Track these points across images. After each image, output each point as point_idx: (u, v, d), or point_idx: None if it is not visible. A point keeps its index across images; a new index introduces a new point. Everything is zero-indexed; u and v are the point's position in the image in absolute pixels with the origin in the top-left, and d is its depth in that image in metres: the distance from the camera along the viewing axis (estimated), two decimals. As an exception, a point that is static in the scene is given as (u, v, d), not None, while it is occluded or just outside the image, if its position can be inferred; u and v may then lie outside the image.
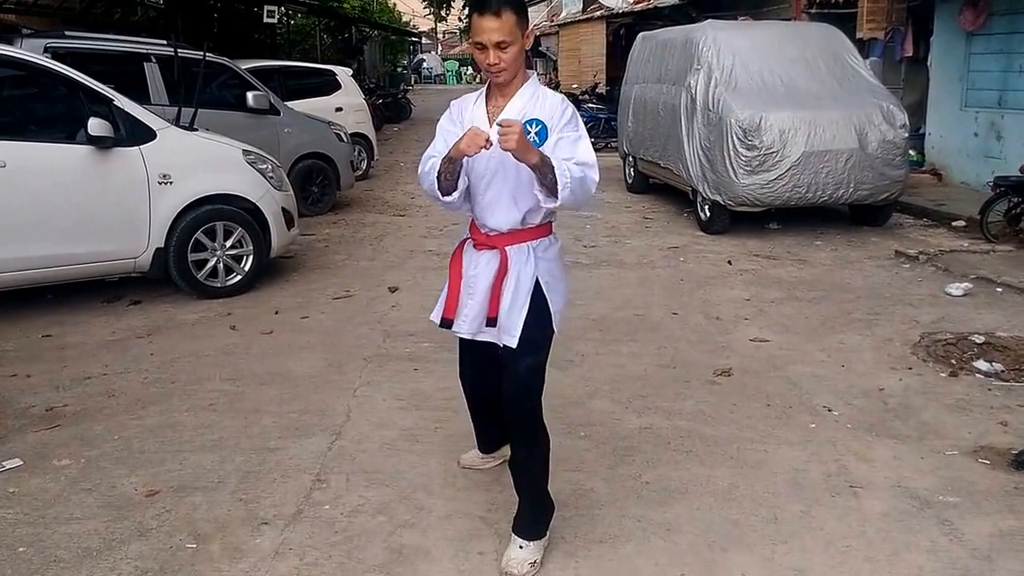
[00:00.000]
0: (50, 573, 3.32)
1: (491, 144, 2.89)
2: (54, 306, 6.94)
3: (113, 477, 4.09)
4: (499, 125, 2.83)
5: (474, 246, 3.34)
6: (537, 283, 3.24)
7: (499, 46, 2.97)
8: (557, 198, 2.92)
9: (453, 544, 3.52)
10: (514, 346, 3.21)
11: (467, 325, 3.37)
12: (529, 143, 2.83)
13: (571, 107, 3.17)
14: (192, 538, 3.56)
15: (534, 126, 3.06)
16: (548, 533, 3.43)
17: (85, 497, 3.90)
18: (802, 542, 3.50)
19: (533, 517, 3.40)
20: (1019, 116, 10.97)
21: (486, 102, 3.24)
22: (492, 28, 2.94)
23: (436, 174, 3.12)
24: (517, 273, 3.22)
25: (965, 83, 12.05)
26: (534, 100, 3.14)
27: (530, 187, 3.04)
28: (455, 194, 3.17)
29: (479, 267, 3.30)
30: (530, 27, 3.12)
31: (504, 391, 3.30)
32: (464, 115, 3.27)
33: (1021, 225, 8.61)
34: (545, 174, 2.87)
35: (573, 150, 3.07)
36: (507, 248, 3.23)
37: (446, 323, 3.41)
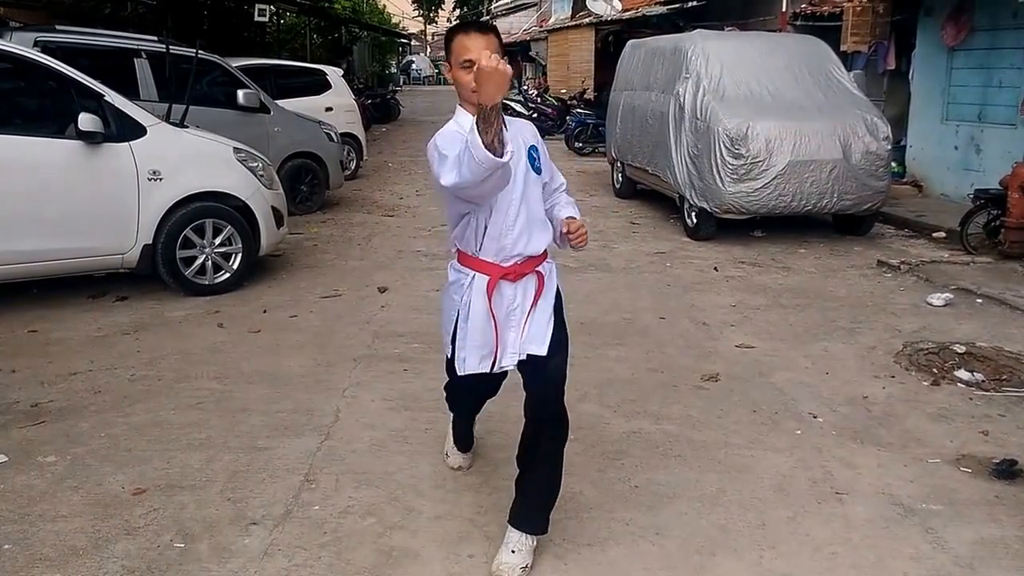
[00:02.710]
0: (36, 571, 3.30)
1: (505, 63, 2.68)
2: (40, 301, 6.90)
3: (100, 475, 4.07)
4: (570, 228, 3.16)
5: (510, 280, 3.22)
6: (555, 291, 3.35)
7: None
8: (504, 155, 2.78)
9: (443, 546, 3.53)
10: (544, 353, 3.23)
11: (509, 358, 3.28)
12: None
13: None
14: (180, 537, 3.55)
15: (536, 152, 3.19)
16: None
17: (71, 495, 3.88)
18: (789, 547, 3.53)
19: (547, 509, 3.41)
20: (998, 130, 11.09)
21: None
22: (481, 45, 2.95)
23: (475, 142, 2.67)
24: (547, 288, 3.31)
25: (946, 97, 12.17)
26: (510, 123, 3.08)
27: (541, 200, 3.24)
28: (509, 147, 2.75)
29: (517, 298, 3.24)
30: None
31: (536, 395, 3.30)
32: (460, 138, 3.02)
33: (1000, 237, 8.70)
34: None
35: (557, 176, 3.40)
36: (538, 269, 3.28)
37: (489, 368, 3.30)
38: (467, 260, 3.25)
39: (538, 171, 3.20)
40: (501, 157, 2.69)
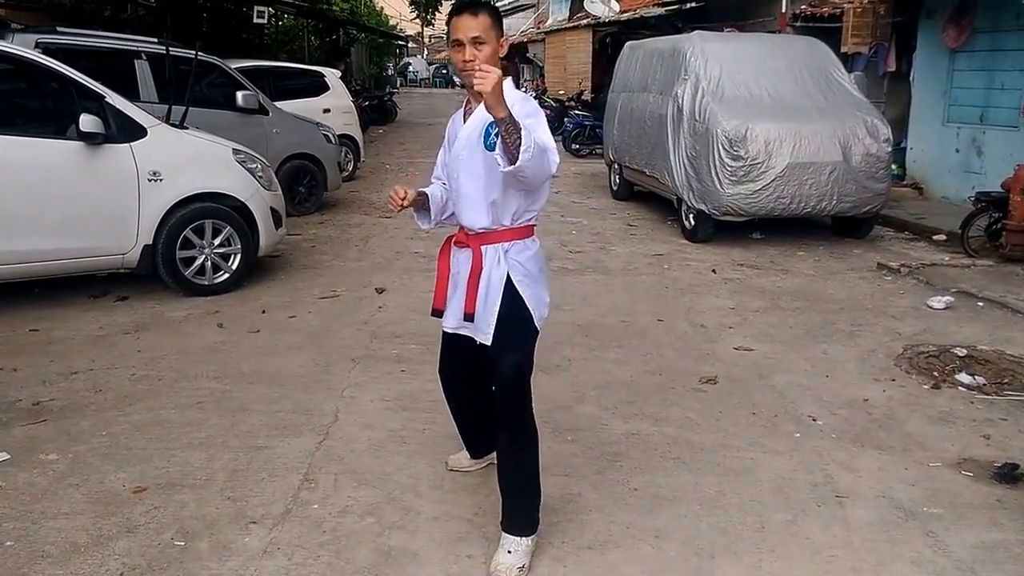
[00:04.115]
0: (38, 568, 3.31)
1: (409, 197, 3.28)
2: (41, 300, 6.91)
3: (101, 473, 4.08)
4: (480, 69, 2.78)
5: (455, 243, 3.47)
6: (511, 283, 3.31)
7: (475, 42, 3.05)
8: (517, 161, 2.83)
9: (442, 547, 3.53)
10: (488, 343, 3.32)
11: (452, 319, 3.51)
12: (501, 91, 2.77)
13: (534, 103, 3.24)
14: (180, 535, 3.55)
15: (492, 128, 3.00)
16: (536, 534, 3.45)
17: (73, 492, 3.89)
18: (789, 551, 3.54)
19: (523, 511, 3.42)
20: (1000, 132, 11.11)
21: (464, 106, 3.39)
22: (469, 25, 3.06)
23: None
24: (488, 273, 3.32)
25: (947, 99, 12.20)
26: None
27: (498, 181, 3.15)
28: (432, 222, 3.58)
29: (459, 264, 3.45)
30: (505, 37, 3.22)
31: (494, 392, 3.37)
32: (451, 128, 3.48)
33: (1001, 240, 8.70)
34: (510, 132, 2.81)
35: (534, 132, 3.07)
36: (481, 247, 3.33)
37: (437, 312, 3.56)
38: None
39: (490, 147, 3.02)
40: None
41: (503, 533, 3.41)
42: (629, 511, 3.83)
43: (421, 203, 3.46)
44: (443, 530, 3.66)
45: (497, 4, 50.01)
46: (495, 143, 2.93)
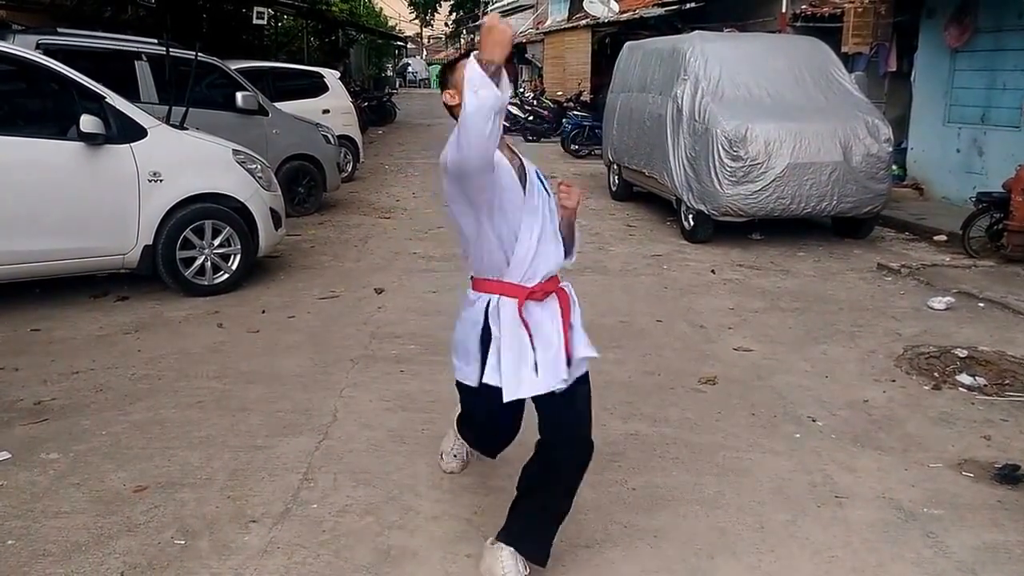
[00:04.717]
0: (39, 567, 3.32)
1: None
2: (42, 300, 6.93)
3: (101, 472, 4.09)
4: (561, 185, 2.97)
5: (534, 298, 3.09)
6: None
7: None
8: (572, 256, 2.98)
9: (441, 546, 3.54)
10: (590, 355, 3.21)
11: (550, 377, 3.05)
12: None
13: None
14: (181, 534, 3.56)
15: (539, 174, 3.14)
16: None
17: (73, 492, 3.90)
18: (788, 551, 3.54)
19: (548, 539, 3.24)
20: (1002, 133, 11.11)
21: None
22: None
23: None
24: (574, 304, 3.24)
25: (948, 99, 12.20)
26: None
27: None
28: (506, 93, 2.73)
29: (543, 315, 3.12)
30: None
31: (568, 435, 3.13)
32: (504, 168, 3.04)
33: (1003, 241, 8.70)
34: (571, 227, 2.94)
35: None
36: (560, 285, 3.18)
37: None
38: (487, 285, 3.12)
39: (548, 191, 3.11)
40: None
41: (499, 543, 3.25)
42: (628, 511, 3.84)
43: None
44: (442, 529, 3.66)
45: (496, 4, 50.07)
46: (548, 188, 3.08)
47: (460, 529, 3.67)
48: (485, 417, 3.48)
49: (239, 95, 10.07)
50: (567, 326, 3.14)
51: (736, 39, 12.14)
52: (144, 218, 6.81)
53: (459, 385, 3.33)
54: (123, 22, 17.41)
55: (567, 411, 3.11)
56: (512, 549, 3.20)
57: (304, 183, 11.37)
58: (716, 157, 9.27)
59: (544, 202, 3.09)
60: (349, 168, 14.45)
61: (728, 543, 3.59)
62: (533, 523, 3.23)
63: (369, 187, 14.27)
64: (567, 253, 3.05)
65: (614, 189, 13.25)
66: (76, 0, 16.11)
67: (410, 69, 73.22)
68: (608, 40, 24.32)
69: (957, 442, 4.62)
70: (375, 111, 26.29)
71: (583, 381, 3.18)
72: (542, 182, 3.12)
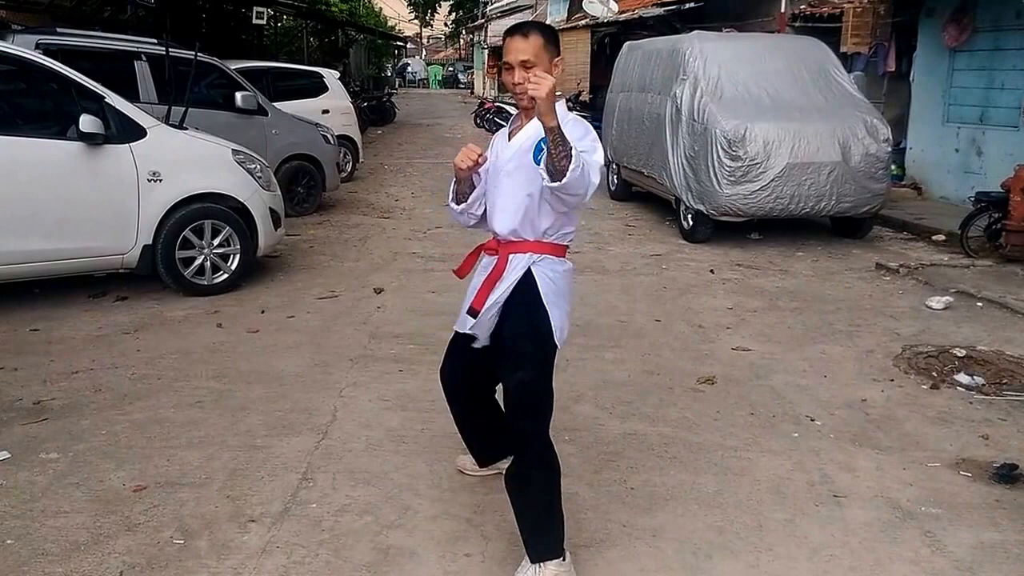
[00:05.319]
0: (38, 566, 3.32)
1: (484, 159, 3.21)
2: (41, 300, 6.93)
3: (101, 472, 4.09)
4: (535, 75, 2.88)
5: (485, 250, 3.40)
6: (538, 296, 3.21)
7: (524, 65, 3.06)
8: (563, 178, 2.85)
9: (440, 545, 3.54)
10: (479, 338, 3.35)
11: (459, 321, 3.47)
12: (554, 100, 2.82)
13: (586, 124, 3.22)
14: (180, 534, 3.57)
15: (544, 143, 3.02)
16: (562, 558, 3.26)
17: (73, 491, 3.90)
18: (787, 550, 3.54)
19: (535, 537, 3.24)
20: (1000, 132, 11.13)
21: (509, 126, 3.37)
22: (519, 48, 3.08)
23: (453, 186, 3.41)
24: (507, 279, 3.23)
25: (947, 99, 12.21)
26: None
27: (537, 193, 3.12)
28: (462, 204, 3.43)
29: (483, 268, 3.38)
30: (561, 57, 3.19)
31: (506, 407, 3.31)
32: (495, 144, 3.42)
33: (1001, 240, 8.71)
34: (557, 145, 2.83)
35: (592, 154, 3.10)
36: (508, 255, 3.25)
37: (472, 312, 3.37)
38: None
39: (539, 161, 3.05)
40: (452, 203, 3.44)
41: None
42: (626, 510, 3.84)
43: (469, 180, 3.36)
44: (441, 529, 3.67)
45: (496, 4, 50.02)
46: (541, 158, 2.98)
47: (459, 528, 3.67)
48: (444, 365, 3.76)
49: (238, 95, 10.08)
50: (487, 285, 3.29)
51: (735, 39, 12.14)
52: (143, 218, 6.81)
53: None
54: (122, 22, 17.41)
55: (506, 400, 3.30)
56: (525, 562, 3.27)
57: (303, 183, 11.37)
58: (715, 157, 9.28)
59: (521, 170, 3.19)
60: (348, 168, 14.47)
61: (726, 542, 3.60)
62: (525, 527, 3.28)
63: (368, 187, 14.28)
64: (558, 176, 2.87)
65: (613, 189, 13.25)
66: (75, 0, 16.11)
67: (410, 69, 73.22)
68: (607, 40, 24.30)
69: (955, 441, 4.63)
70: (374, 111, 26.26)
71: (518, 367, 3.20)
72: (537, 152, 3.09)
